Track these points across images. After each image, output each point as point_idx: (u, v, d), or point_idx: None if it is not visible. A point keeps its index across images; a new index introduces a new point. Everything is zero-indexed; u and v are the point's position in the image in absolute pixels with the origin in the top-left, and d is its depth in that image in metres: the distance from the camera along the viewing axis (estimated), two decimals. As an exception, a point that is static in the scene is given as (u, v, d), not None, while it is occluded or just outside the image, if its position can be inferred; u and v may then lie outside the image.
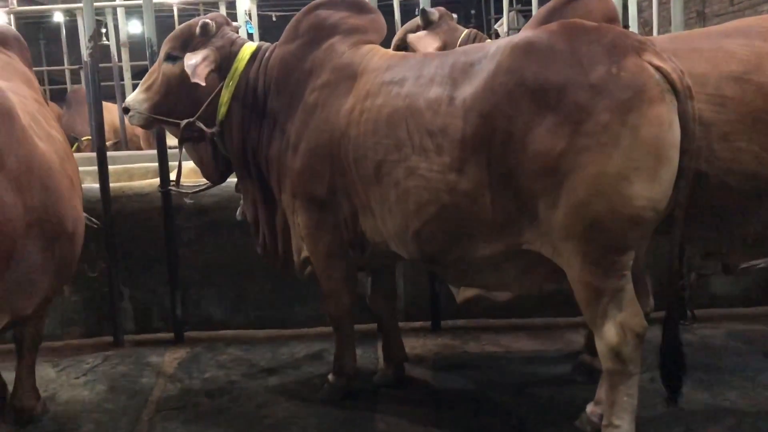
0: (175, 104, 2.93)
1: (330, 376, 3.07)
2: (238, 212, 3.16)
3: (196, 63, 2.80)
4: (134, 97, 3.01)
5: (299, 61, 2.82)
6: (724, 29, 2.70)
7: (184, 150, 3.04)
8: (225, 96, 2.90)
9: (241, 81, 2.89)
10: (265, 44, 3.02)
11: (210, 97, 2.89)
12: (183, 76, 2.86)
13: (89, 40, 3.70)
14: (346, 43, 2.80)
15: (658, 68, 2.17)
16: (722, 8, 7.28)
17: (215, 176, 3.14)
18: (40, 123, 2.56)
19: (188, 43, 2.92)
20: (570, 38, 2.25)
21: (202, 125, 2.90)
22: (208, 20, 2.94)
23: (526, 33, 2.47)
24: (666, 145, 2.14)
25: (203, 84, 2.80)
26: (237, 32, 3.08)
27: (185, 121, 2.91)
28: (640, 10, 5.67)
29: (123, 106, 3.04)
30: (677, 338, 2.34)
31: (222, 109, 2.90)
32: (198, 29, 2.91)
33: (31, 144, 2.34)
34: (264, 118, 2.88)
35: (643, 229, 2.21)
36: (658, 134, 2.12)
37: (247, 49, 2.94)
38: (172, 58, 2.92)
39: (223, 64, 2.90)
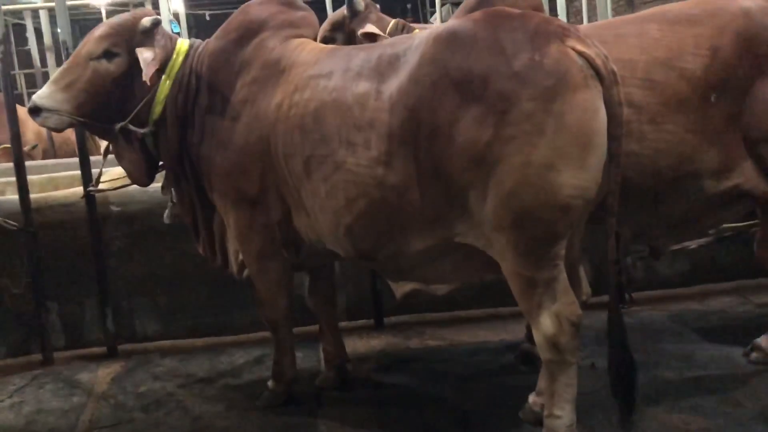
0: (104, 105, 2.74)
1: (269, 382, 3.00)
2: (165, 215, 3.02)
3: (148, 60, 2.64)
4: (49, 95, 2.71)
5: (229, 58, 2.75)
6: (646, 15, 2.80)
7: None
8: (161, 94, 2.76)
9: (176, 79, 2.77)
10: (197, 41, 2.92)
11: (147, 97, 2.73)
12: (122, 75, 2.71)
13: (0, 44, 3.51)
14: (276, 39, 2.74)
15: (581, 54, 2.15)
16: (649, -5, 7.46)
17: (145, 178, 2.97)
18: None
19: (131, 40, 2.73)
20: (493, 26, 2.23)
21: (134, 127, 2.76)
22: (156, 16, 2.80)
23: (449, 23, 2.44)
24: (592, 132, 2.14)
25: (150, 84, 2.65)
26: None
27: (121, 123, 2.73)
28: (570, 0, 5.74)
29: (32, 106, 2.71)
30: (622, 330, 2.34)
31: (157, 108, 2.76)
32: (147, 25, 2.73)
33: None
34: (195, 116, 2.77)
35: (573, 218, 2.20)
36: (583, 121, 2.11)
37: (183, 46, 2.83)
38: (111, 55, 2.71)
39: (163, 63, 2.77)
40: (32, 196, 3.55)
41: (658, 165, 2.58)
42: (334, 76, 2.50)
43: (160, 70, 2.73)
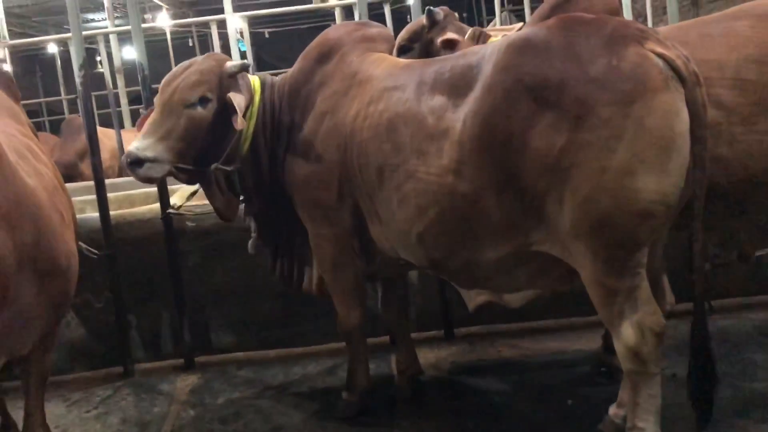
0: (200, 150, 2.75)
1: (344, 393, 3.02)
2: (249, 245, 3.05)
3: (242, 106, 2.69)
4: (149, 146, 2.69)
5: (309, 76, 2.83)
6: (732, 13, 2.68)
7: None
8: (248, 131, 2.81)
9: (258, 114, 2.84)
10: (267, 76, 3.00)
11: (236, 136, 2.77)
12: (216, 120, 2.74)
13: (80, 69, 3.67)
14: (354, 53, 2.81)
15: (661, 56, 2.11)
16: (715, -6, 7.24)
17: (235, 214, 3.00)
18: (27, 159, 2.52)
19: (220, 84, 2.75)
20: (567, 32, 2.20)
21: (225, 167, 2.79)
22: (243, 61, 2.87)
23: (523, 31, 2.43)
24: (674, 135, 2.08)
25: (241, 128, 2.69)
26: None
27: (215, 165, 2.76)
28: (632, 2, 5.62)
29: (133, 159, 2.69)
30: (707, 337, 2.26)
31: (246, 144, 2.83)
32: (235, 70, 2.79)
33: (20, 182, 2.30)
34: (280, 139, 2.84)
35: (654, 225, 2.14)
36: (664, 124, 2.07)
37: (256, 82, 2.90)
38: (205, 101, 2.73)
39: None
40: (111, 213, 3.68)
41: (750, 169, 2.46)
42: (407, 88, 2.53)
43: (245, 111, 2.79)
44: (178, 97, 2.72)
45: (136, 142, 2.74)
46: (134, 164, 2.70)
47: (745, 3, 2.80)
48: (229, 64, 2.81)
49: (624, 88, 2.06)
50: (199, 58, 2.88)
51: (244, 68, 2.82)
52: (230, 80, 2.78)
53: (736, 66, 2.46)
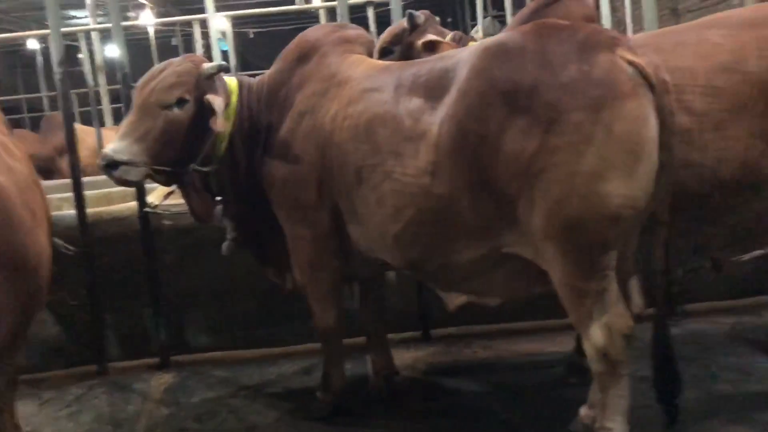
0: (177, 152, 2.75)
1: (318, 393, 3.03)
2: (224, 246, 3.04)
3: (221, 108, 2.68)
4: (124, 149, 2.67)
5: (288, 77, 2.84)
6: (705, 22, 2.74)
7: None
8: (225, 132, 2.81)
9: (237, 114, 2.85)
10: (244, 77, 3.00)
11: (213, 137, 2.76)
12: (193, 122, 2.73)
13: (59, 65, 3.65)
14: (333, 55, 2.82)
15: (631, 63, 2.15)
16: (695, 4, 7.32)
17: (211, 215, 3.00)
18: None
19: (198, 86, 2.75)
20: (541, 38, 2.24)
21: (202, 168, 2.80)
22: (220, 63, 2.86)
23: (499, 35, 2.47)
24: (642, 141, 2.12)
25: (221, 130, 2.69)
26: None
27: (192, 166, 2.77)
28: (613, 10, 5.69)
29: (108, 161, 2.67)
30: (668, 341, 2.30)
31: (223, 145, 2.83)
32: (212, 71, 2.77)
33: None
34: (259, 139, 2.84)
35: (622, 228, 2.18)
36: (632, 130, 2.10)
37: (233, 83, 2.90)
38: (183, 102, 2.73)
39: None
40: (88, 210, 3.67)
41: (721, 174, 2.49)
42: (386, 90, 2.56)
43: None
44: (155, 99, 2.71)
45: (111, 144, 2.72)
46: (109, 167, 2.68)
47: (719, 13, 2.86)
48: (206, 65, 2.80)
49: (594, 94, 2.09)
50: (175, 59, 2.87)
51: (221, 69, 2.82)
52: (207, 82, 2.78)
53: (708, 73, 2.50)
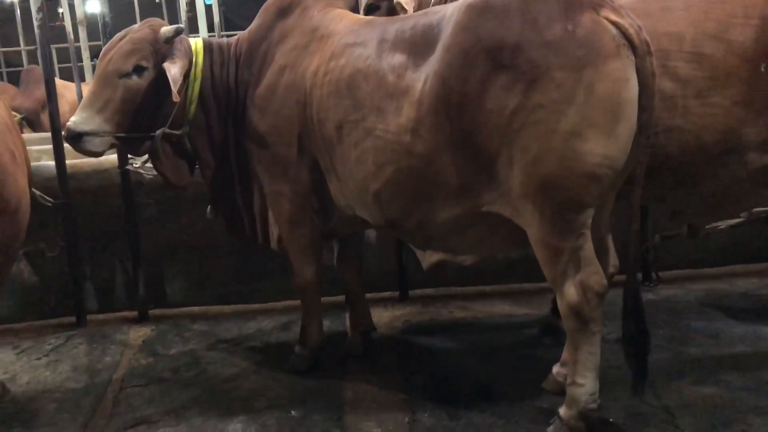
0: (140, 118, 2.73)
1: (296, 347, 3.06)
2: (209, 211, 3.06)
3: (176, 77, 2.64)
4: (86, 120, 2.66)
5: (269, 31, 2.81)
6: None
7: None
8: (193, 93, 2.79)
9: (203, 75, 2.82)
10: (213, 39, 2.96)
11: (180, 100, 2.72)
12: (152, 87, 2.71)
13: (38, 11, 3.58)
14: (316, 8, 2.79)
15: (614, 23, 2.15)
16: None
17: (186, 179, 2.98)
18: None
19: (156, 51, 2.72)
20: (526, -4, 2.22)
21: (172, 131, 2.77)
22: (177, 25, 2.81)
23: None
24: (622, 102, 2.13)
25: (177, 102, 2.65)
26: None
27: (160, 131, 2.73)
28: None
29: (72, 134, 2.65)
30: (638, 301, 2.33)
31: (191, 108, 2.81)
32: (169, 35, 2.73)
33: None
34: (238, 96, 2.81)
35: (600, 188, 2.20)
36: (613, 90, 2.11)
37: (198, 43, 2.86)
38: (141, 69, 2.70)
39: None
40: (68, 162, 3.63)
41: (703, 140, 2.51)
42: (369, 45, 2.53)
43: (186, 75, 2.76)
44: (113, 68, 2.69)
45: (74, 116, 2.70)
46: (73, 139, 2.67)
47: None
48: (163, 29, 2.76)
49: (577, 54, 2.10)
50: (135, 26, 2.83)
51: (178, 32, 2.77)
52: (166, 46, 2.74)
53: (694, 40, 2.51)
